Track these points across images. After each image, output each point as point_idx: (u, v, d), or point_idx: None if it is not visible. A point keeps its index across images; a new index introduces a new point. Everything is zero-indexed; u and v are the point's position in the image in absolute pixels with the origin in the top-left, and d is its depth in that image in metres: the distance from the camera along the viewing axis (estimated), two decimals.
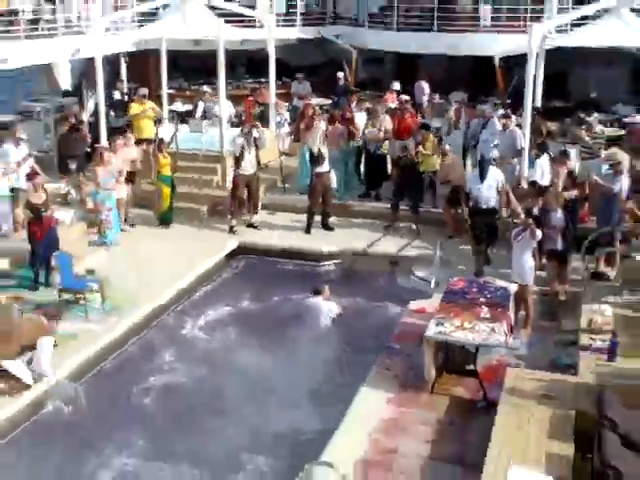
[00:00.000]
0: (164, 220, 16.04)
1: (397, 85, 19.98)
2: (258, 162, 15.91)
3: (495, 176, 13.46)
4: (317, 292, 12.88)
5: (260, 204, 16.58)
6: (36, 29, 20.72)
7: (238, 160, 15.47)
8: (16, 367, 9.99)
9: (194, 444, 9.35)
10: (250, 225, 15.98)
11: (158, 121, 18.33)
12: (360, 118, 17.56)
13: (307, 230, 15.71)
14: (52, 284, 12.58)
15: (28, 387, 9.86)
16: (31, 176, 13.62)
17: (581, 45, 17.20)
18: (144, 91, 18.23)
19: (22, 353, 10.32)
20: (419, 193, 15.76)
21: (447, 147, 15.54)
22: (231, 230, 15.70)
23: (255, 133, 15.59)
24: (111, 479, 8.76)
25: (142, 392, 10.50)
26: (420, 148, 15.93)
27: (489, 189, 13.32)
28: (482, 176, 13.35)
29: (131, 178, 15.85)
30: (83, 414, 9.93)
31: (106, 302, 12.18)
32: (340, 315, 12.69)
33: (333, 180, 16.46)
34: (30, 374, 9.98)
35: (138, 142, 16.74)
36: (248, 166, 15.56)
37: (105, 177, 14.55)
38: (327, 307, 12.67)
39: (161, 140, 16.15)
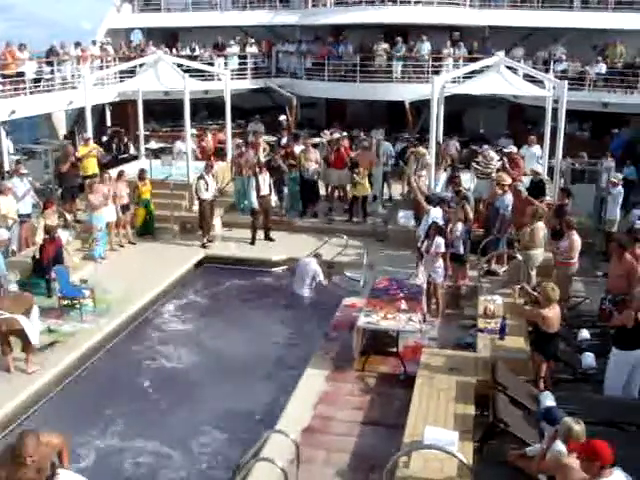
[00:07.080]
0: (142, 233, 15.76)
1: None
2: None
3: (433, 216, 12.41)
4: (316, 255, 13.30)
5: (221, 222, 16.42)
6: (38, 86, 20.38)
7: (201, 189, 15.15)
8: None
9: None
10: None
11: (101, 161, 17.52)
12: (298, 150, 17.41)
13: (252, 242, 15.48)
14: (53, 292, 12.23)
15: None
16: (48, 205, 13.27)
17: (471, 92, 17.63)
18: (88, 135, 17.53)
19: None
20: None
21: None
22: (204, 245, 15.33)
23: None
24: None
25: (131, 371, 10.50)
26: (355, 176, 16.03)
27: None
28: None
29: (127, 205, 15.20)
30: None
31: (97, 306, 11.93)
32: (322, 284, 12.99)
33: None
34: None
35: (84, 178, 16.05)
36: (211, 193, 15.37)
37: (94, 203, 14.23)
38: (315, 269, 12.92)
39: (142, 170, 15.77)
